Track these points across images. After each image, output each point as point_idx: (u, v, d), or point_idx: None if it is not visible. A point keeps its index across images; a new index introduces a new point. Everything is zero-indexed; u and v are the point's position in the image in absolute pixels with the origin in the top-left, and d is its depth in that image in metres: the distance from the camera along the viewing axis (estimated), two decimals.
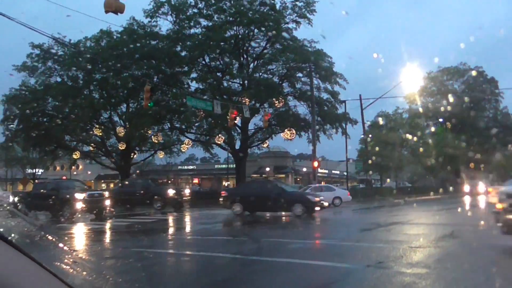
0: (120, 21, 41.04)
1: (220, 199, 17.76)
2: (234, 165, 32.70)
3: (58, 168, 52.79)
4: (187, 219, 17.93)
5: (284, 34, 27.65)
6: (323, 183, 36.58)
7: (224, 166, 50.59)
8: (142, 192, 21.91)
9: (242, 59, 29.37)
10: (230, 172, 44.03)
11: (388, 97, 47.49)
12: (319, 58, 27.96)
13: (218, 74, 29.57)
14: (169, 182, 36.54)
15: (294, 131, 27.26)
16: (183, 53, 28.71)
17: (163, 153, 33.57)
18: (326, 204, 16.80)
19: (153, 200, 21.31)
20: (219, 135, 28.60)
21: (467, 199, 28.77)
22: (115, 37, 28.57)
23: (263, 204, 15.81)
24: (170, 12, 28.28)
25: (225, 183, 53.47)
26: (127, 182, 25.54)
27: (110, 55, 27.11)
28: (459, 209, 19.72)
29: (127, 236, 11.78)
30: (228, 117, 21.62)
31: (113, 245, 9.92)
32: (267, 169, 50.78)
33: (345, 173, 39.83)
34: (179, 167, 57.79)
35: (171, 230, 13.88)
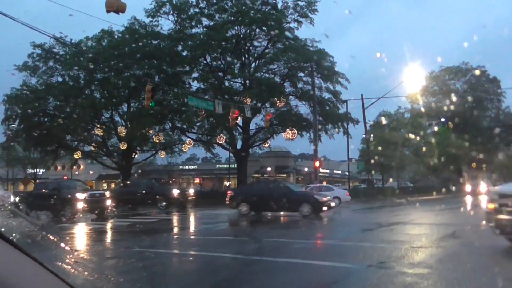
0: (122, 20, 41.18)
1: (226, 198, 17.64)
2: (236, 165, 32.71)
3: (59, 168, 52.91)
4: (192, 219, 17.89)
5: (287, 33, 27.62)
6: (324, 183, 36.55)
7: (225, 166, 50.63)
8: (146, 192, 21.85)
9: (243, 58, 29.36)
10: (231, 172, 44.05)
11: (390, 96, 47.52)
12: (321, 58, 27.93)
13: (220, 73, 29.58)
14: (170, 182, 36.54)
15: (295, 131, 27.23)
16: (184, 53, 28.73)
17: (164, 153, 33.60)
18: (333, 204, 16.63)
19: (157, 200, 21.27)
20: (221, 135, 28.60)
21: (469, 199, 28.71)
22: (116, 36, 28.61)
23: (270, 204, 15.65)
24: (171, 12, 28.29)
25: (226, 183, 53.50)
26: (129, 182, 25.57)
27: (111, 54, 27.15)
28: (462, 209, 19.67)
29: (129, 236, 11.78)
30: (229, 116, 21.63)
31: (115, 245, 9.92)
32: (269, 169, 50.76)
33: (347, 173, 39.79)
34: (180, 167, 57.81)
35: (176, 230, 13.88)
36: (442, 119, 39.56)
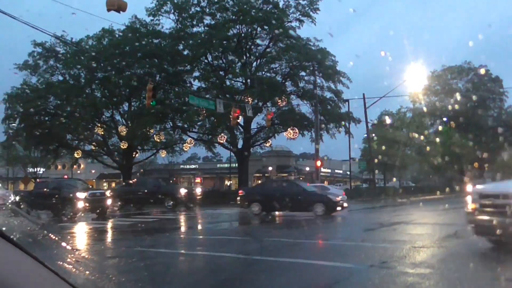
0: (122, 19, 41.19)
1: (237, 198, 17.52)
2: (237, 164, 32.70)
3: (59, 167, 52.94)
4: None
5: (291, 32, 27.59)
6: (326, 183, 36.53)
7: (226, 165, 50.67)
8: (152, 191, 21.67)
9: (245, 57, 29.33)
10: (232, 172, 44.06)
11: (392, 96, 47.46)
12: (323, 57, 27.89)
13: (221, 72, 29.56)
14: (171, 181, 36.56)
15: (297, 130, 27.20)
16: (185, 52, 28.72)
17: (165, 152, 33.59)
18: (345, 204, 16.50)
19: (164, 199, 21.12)
20: (222, 134, 28.58)
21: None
22: (117, 35, 28.60)
23: (283, 203, 15.48)
24: (172, 11, 28.27)
25: (227, 183, 53.52)
26: (135, 180, 25.44)
27: (112, 53, 27.15)
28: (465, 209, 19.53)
29: (130, 235, 11.77)
30: (230, 116, 21.61)
31: (117, 245, 9.91)
32: (270, 168, 50.76)
33: (348, 173, 39.76)
34: (181, 166, 57.86)
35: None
36: (444, 119, 39.52)
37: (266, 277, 5.68)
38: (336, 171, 61.59)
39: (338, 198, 15.78)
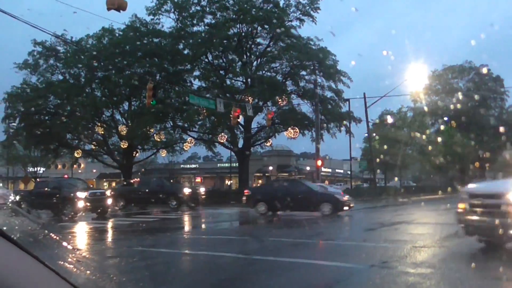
0: (123, 18, 41.21)
1: (243, 198, 17.45)
2: (237, 164, 32.70)
3: (59, 166, 52.95)
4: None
5: (293, 31, 27.58)
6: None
7: (227, 164, 50.67)
8: (156, 190, 21.51)
9: (245, 57, 29.31)
10: (233, 171, 44.05)
11: (392, 95, 47.32)
12: (323, 56, 27.86)
13: (221, 72, 29.54)
14: (172, 180, 36.53)
15: (297, 130, 27.18)
16: (185, 51, 28.70)
17: (165, 151, 33.57)
18: (352, 204, 16.46)
19: (168, 199, 20.96)
20: (222, 133, 28.57)
21: None
22: (117, 34, 28.59)
23: (290, 203, 15.40)
24: (172, 10, 28.25)
25: (227, 182, 53.53)
26: (138, 180, 25.34)
27: (112, 53, 27.13)
28: None
29: (131, 235, 11.76)
30: (231, 115, 21.60)
31: (117, 244, 9.90)
32: (270, 168, 50.76)
33: (349, 172, 39.74)
34: (182, 165, 57.86)
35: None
36: (445, 118, 39.51)
37: (266, 277, 5.68)
38: (336, 170, 61.55)
39: (345, 198, 15.73)
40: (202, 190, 24.20)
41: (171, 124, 30.14)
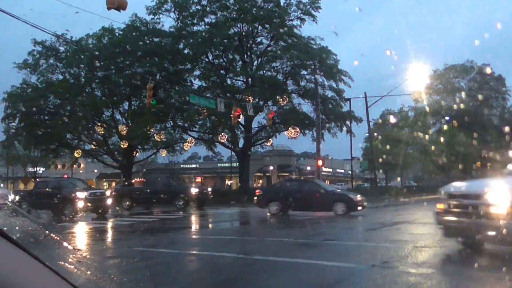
0: (123, 18, 41.17)
1: (254, 198, 17.38)
2: (238, 164, 32.68)
3: (59, 166, 52.96)
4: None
5: (296, 31, 27.57)
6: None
7: (227, 164, 50.64)
8: (162, 190, 21.24)
9: (246, 56, 29.31)
10: (233, 171, 44.04)
11: (393, 95, 47.21)
12: (324, 56, 27.84)
13: (222, 71, 29.54)
14: (174, 179, 36.40)
15: (298, 130, 27.16)
16: (186, 51, 28.69)
17: (165, 151, 33.56)
18: (365, 204, 16.32)
19: (175, 198, 20.68)
20: (222, 133, 28.56)
21: None
22: (117, 34, 28.58)
23: (302, 203, 15.36)
24: (173, 9, 28.24)
25: (228, 182, 53.52)
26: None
27: (112, 52, 27.12)
28: None
29: (131, 235, 11.75)
30: (231, 115, 21.58)
31: (118, 244, 9.89)
32: (271, 167, 50.72)
33: (350, 172, 39.72)
34: (182, 165, 57.85)
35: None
36: (447, 118, 39.44)
37: (267, 277, 5.67)
38: (337, 170, 61.53)
39: (359, 198, 15.70)
40: (209, 190, 23.88)
41: (172, 124, 30.13)
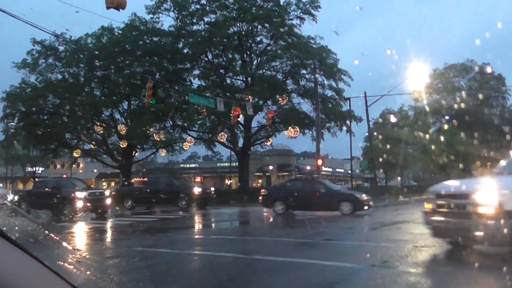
0: (122, 17, 41.15)
1: (259, 197, 17.34)
2: (237, 163, 32.67)
3: (58, 166, 52.88)
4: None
5: (296, 30, 27.56)
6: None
7: (226, 164, 50.60)
8: (165, 190, 21.09)
9: (245, 56, 29.29)
10: (233, 171, 44.03)
11: (393, 94, 47.22)
12: (324, 55, 27.84)
13: (221, 71, 29.53)
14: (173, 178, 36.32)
15: (298, 129, 27.15)
16: (185, 50, 28.67)
17: (165, 151, 33.54)
18: (371, 203, 16.31)
19: (178, 198, 20.53)
20: (222, 133, 28.55)
21: None
22: (116, 33, 28.54)
23: (308, 202, 15.32)
24: (172, 8, 28.22)
25: (227, 182, 53.50)
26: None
27: (111, 52, 27.09)
28: None
29: (133, 235, 11.72)
30: (231, 114, 21.56)
31: (118, 244, 9.87)
32: (271, 167, 50.70)
33: (349, 171, 39.70)
34: (181, 165, 57.82)
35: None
36: (447, 117, 39.46)
37: (267, 277, 5.66)
38: (337, 170, 61.50)
39: (365, 197, 15.70)
40: (212, 189, 23.75)
41: (171, 123, 30.11)
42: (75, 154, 31.63)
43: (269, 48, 29.02)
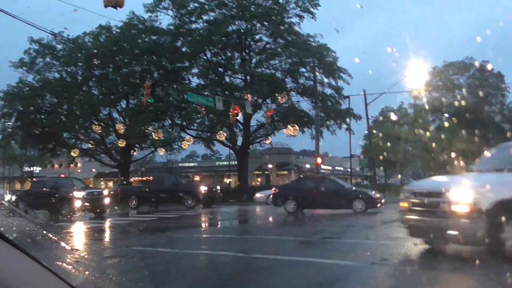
0: (120, 16, 41.01)
1: (270, 196, 17.28)
2: (236, 162, 32.67)
3: (56, 166, 52.73)
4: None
5: (296, 28, 27.56)
6: None
7: (225, 163, 50.57)
8: (171, 189, 20.98)
9: (244, 54, 29.26)
10: (232, 169, 44.01)
11: (393, 92, 47.28)
12: (323, 53, 27.84)
13: (220, 69, 29.50)
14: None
15: (297, 127, 27.17)
16: (184, 49, 28.62)
17: (163, 150, 33.50)
18: (384, 201, 16.27)
19: (184, 197, 20.43)
20: (221, 131, 28.53)
21: None
22: (114, 32, 28.46)
23: (320, 201, 15.27)
24: (170, 7, 28.18)
25: (226, 180, 53.46)
26: (152, 178, 24.77)
27: (109, 50, 27.02)
28: None
29: (131, 234, 11.70)
30: (230, 113, 21.55)
31: (116, 244, 9.84)
32: (270, 166, 50.67)
33: (349, 170, 39.74)
34: (180, 164, 57.75)
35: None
36: (446, 115, 39.51)
37: (267, 275, 5.64)
38: (336, 168, 61.50)
39: (378, 195, 15.71)
40: (218, 188, 23.63)
41: (170, 122, 30.09)
42: (73, 154, 31.55)
43: (268, 46, 29.02)
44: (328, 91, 29.41)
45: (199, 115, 27.83)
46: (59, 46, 28.71)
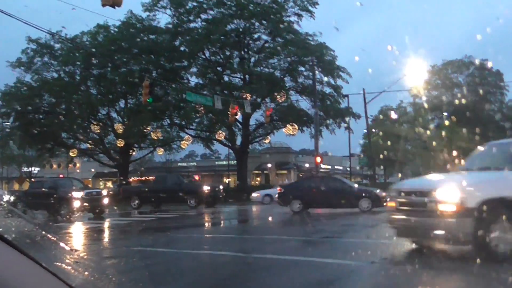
0: (118, 15, 40.93)
1: (275, 195, 17.26)
2: (235, 162, 32.65)
3: (54, 166, 52.64)
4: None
5: (295, 26, 27.58)
6: None
7: (225, 162, 50.56)
8: (173, 188, 20.75)
9: (243, 53, 29.25)
10: (231, 169, 43.99)
11: (392, 90, 47.31)
12: (322, 52, 27.85)
13: (219, 68, 29.48)
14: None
15: (296, 126, 27.18)
16: (182, 48, 28.59)
17: (162, 149, 33.46)
18: (388, 199, 16.38)
19: (186, 197, 20.26)
20: (220, 131, 28.51)
21: None
22: (112, 31, 28.40)
23: (326, 200, 15.23)
24: (169, 6, 28.14)
25: (226, 180, 53.45)
26: (154, 178, 24.64)
27: (107, 50, 26.97)
28: None
29: (130, 234, 11.67)
30: (229, 112, 21.52)
31: (116, 244, 9.81)
32: (269, 165, 50.68)
33: (348, 169, 39.78)
34: (179, 164, 57.72)
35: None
36: (445, 113, 39.58)
37: (267, 275, 5.63)
38: (336, 167, 61.53)
39: (384, 194, 15.75)
40: (221, 188, 23.54)
41: (168, 121, 30.06)
42: (71, 154, 31.50)
43: (267, 45, 29.01)
44: (327, 90, 29.49)
45: (198, 115, 27.80)
46: (57, 46, 28.66)
